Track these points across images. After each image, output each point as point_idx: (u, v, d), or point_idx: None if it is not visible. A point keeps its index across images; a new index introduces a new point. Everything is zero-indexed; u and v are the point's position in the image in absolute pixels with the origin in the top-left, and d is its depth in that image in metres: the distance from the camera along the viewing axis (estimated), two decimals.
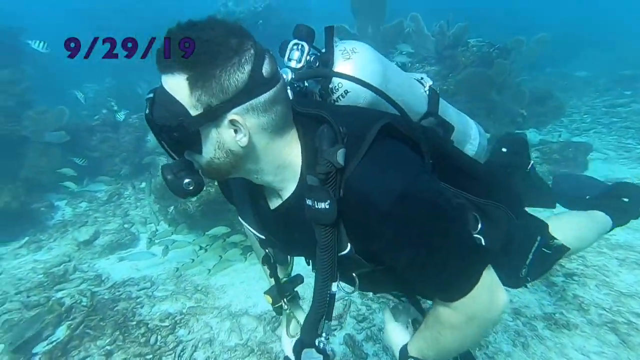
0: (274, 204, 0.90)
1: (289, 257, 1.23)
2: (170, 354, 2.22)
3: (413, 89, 1.05)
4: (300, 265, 1.19)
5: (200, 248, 3.20)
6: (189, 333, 2.38)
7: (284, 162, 0.81)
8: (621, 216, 1.46)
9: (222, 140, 0.74)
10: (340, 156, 0.73)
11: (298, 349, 0.89)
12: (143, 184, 4.79)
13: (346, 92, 0.92)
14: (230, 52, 0.69)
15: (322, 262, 0.80)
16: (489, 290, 0.80)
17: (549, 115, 5.28)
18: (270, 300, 1.25)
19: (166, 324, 2.46)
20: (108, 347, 2.27)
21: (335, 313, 2.34)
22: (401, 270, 0.82)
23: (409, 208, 0.74)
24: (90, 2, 10.88)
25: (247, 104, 0.72)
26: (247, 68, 0.70)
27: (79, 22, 9.74)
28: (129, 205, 4.47)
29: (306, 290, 1.95)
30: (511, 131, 4.23)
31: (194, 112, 0.71)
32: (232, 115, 0.71)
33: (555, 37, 5.68)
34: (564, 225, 1.31)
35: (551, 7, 11.82)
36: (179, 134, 0.72)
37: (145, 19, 10.03)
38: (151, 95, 0.74)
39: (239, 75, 0.70)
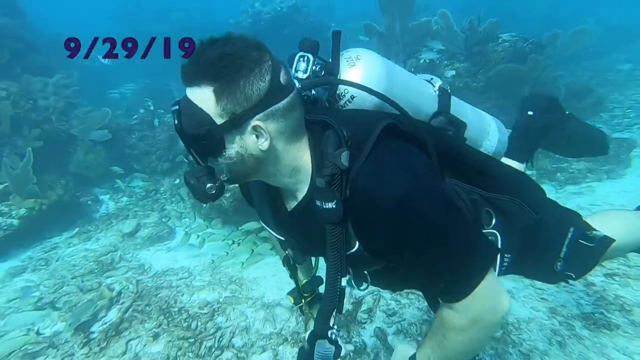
0: (291, 205, 0.94)
1: (312, 259, 1.26)
2: (210, 339, 2.37)
3: (421, 90, 1.07)
4: (324, 267, 1.24)
5: (233, 242, 3.36)
6: (226, 320, 2.53)
7: (298, 165, 0.85)
8: None
9: (245, 146, 0.79)
10: (344, 158, 0.77)
11: (312, 340, 0.94)
12: (177, 181, 5.06)
13: (352, 97, 0.96)
14: (251, 64, 0.74)
15: (332, 258, 0.85)
16: (491, 292, 0.82)
17: (588, 111, 5.01)
18: (292, 300, 1.31)
19: (205, 311, 2.62)
20: (155, 330, 2.47)
21: (365, 307, 2.46)
22: (406, 269, 0.84)
23: (410, 207, 0.76)
24: (126, 7, 11.50)
25: (268, 110, 0.77)
26: (267, 77, 0.76)
27: (119, 26, 10.30)
28: (165, 201, 4.74)
29: None
30: (533, 91, 3.86)
31: (219, 121, 0.76)
32: (255, 121, 0.77)
33: (595, 30, 5.37)
34: (609, 218, 1.25)
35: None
36: (206, 141, 0.78)
37: (177, 20, 10.48)
38: (176, 107, 0.80)
39: (261, 85, 0.75)
